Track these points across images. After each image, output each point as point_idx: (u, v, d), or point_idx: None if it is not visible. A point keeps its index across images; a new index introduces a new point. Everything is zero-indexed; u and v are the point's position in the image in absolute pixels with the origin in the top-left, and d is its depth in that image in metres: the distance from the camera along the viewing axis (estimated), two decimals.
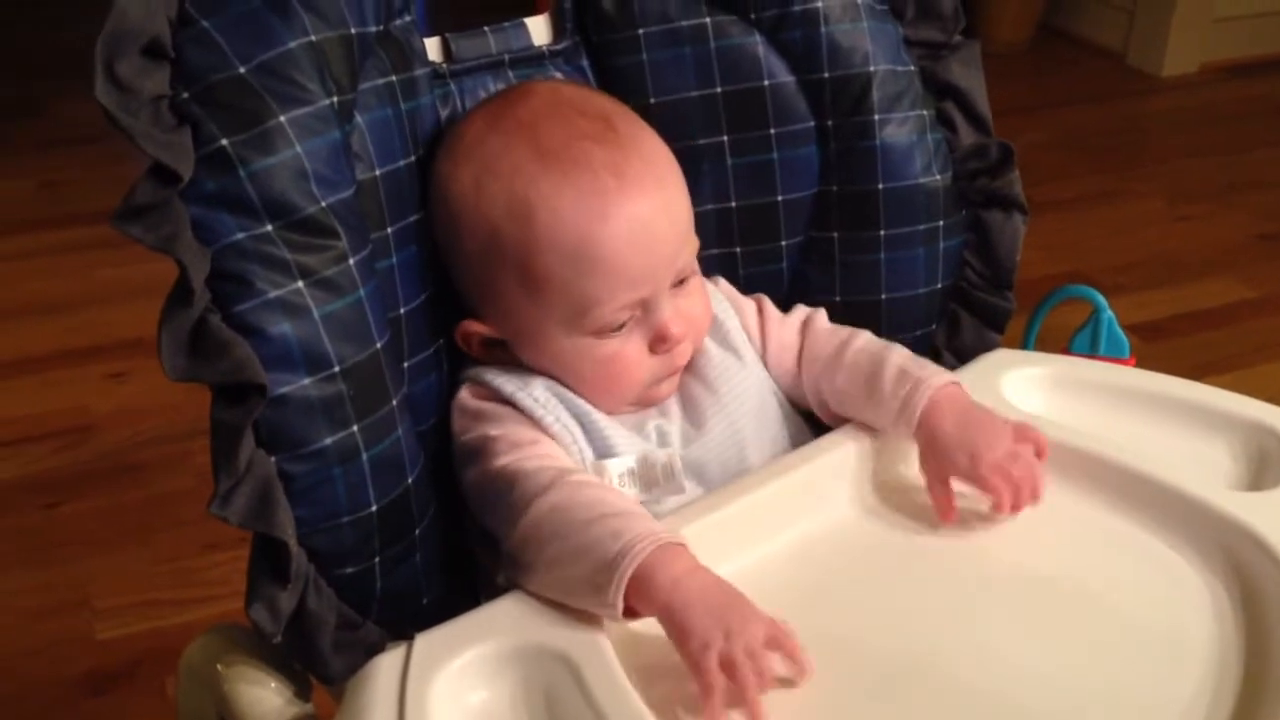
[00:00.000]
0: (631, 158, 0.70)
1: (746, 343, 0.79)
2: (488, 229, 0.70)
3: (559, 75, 0.81)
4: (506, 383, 0.72)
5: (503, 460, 0.68)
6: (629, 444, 0.72)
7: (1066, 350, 0.90)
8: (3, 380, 1.84)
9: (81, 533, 1.54)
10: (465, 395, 0.73)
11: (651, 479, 0.71)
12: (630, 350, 0.71)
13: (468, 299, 0.74)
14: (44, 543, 1.53)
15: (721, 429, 0.75)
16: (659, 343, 0.71)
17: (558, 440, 0.71)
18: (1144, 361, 0.85)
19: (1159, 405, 0.80)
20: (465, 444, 0.71)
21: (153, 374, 1.92)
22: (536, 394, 0.72)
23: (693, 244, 0.73)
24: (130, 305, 1.98)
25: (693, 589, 0.59)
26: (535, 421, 0.71)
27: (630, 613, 0.60)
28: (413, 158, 0.72)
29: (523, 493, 0.65)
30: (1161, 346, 1.87)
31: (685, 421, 0.75)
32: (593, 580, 0.60)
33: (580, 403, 0.72)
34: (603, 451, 0.71)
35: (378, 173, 0.69)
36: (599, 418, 0.72)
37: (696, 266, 0.75)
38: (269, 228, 0.61)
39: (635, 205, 0.68)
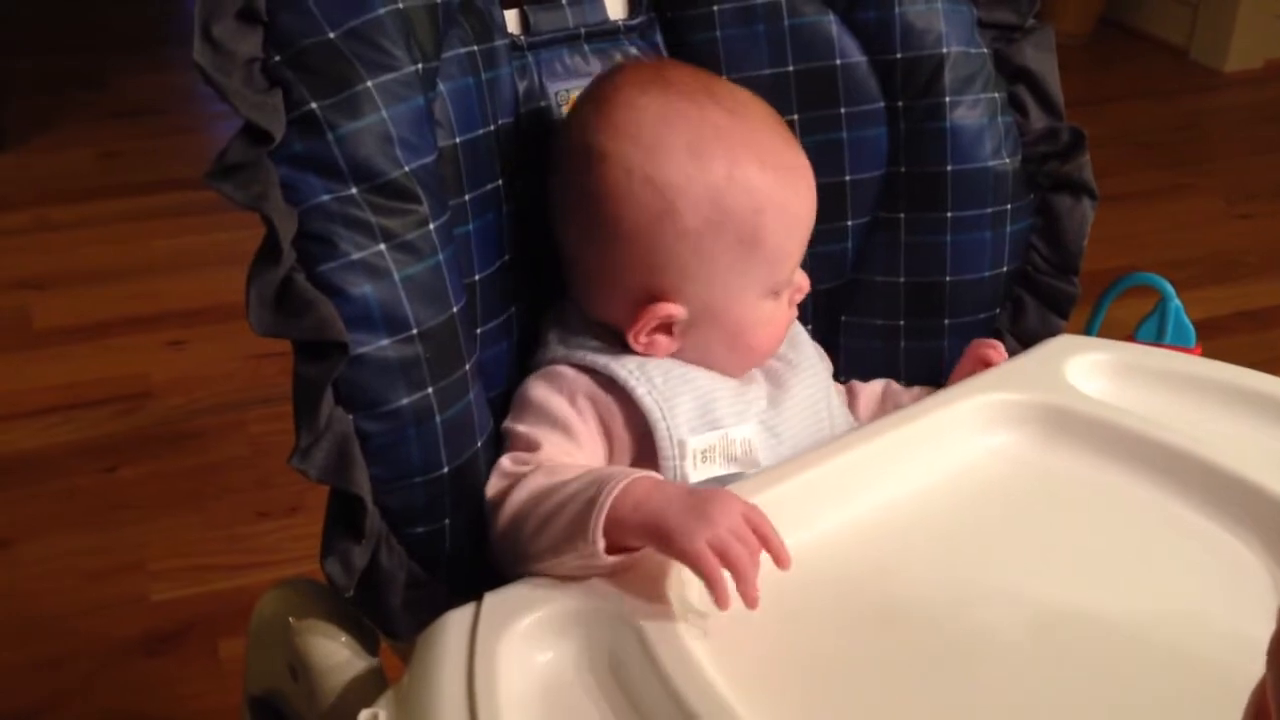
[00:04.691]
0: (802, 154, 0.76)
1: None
2: (712, 203, 0.70)
3: (634, 50, 0.82)
4: (620, 366, 0.72)
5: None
6: (735, 411, 0.74)
7: (1132, 338, 0.89)
8: (63, 345, 1.88)
9: (138, 497, 1.58)
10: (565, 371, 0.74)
11: (731, 455, 0.72)
12: (781, 307, 0.76)
13: (650, 283, 0.73)
14: (101, 505, 1.56)
15: (803, 393, 0.78)
16: (798, 293, 0.77)
17: (648, 415, 0.71)
18: (1206, 356, 0.84)
19: (1224, 394, 0.80)
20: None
21: (210, 343, 1.97)
22: (654, 376, 0.72)
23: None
24: (189, 275, 2.01)
25: (661, 499, 0.62)
26: (637, 401, 0.71)
27: (614, 550, 0.61)
28: (491, 127, 0.73)
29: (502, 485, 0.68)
30: (1219, 344, 1.84)
31: (770, 386, 0.77)
32: (575, 524, 0.61)
33: (696, 375, 0.74)
34: (712, 422, 0.72)
35: (458, 140, 0.70)
36: (712, 388, 0.74)
37: None
38: (354, 190, 0.62)
39: (805, 177, 0.75)
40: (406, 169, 0.64)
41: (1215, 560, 0.68)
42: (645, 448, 0.72)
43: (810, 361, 0.80)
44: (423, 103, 0.66)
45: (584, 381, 0.73)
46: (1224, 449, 0.72)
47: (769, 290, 0.74)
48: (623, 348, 0.74)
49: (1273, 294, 2.02)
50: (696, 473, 0.71)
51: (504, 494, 0.67)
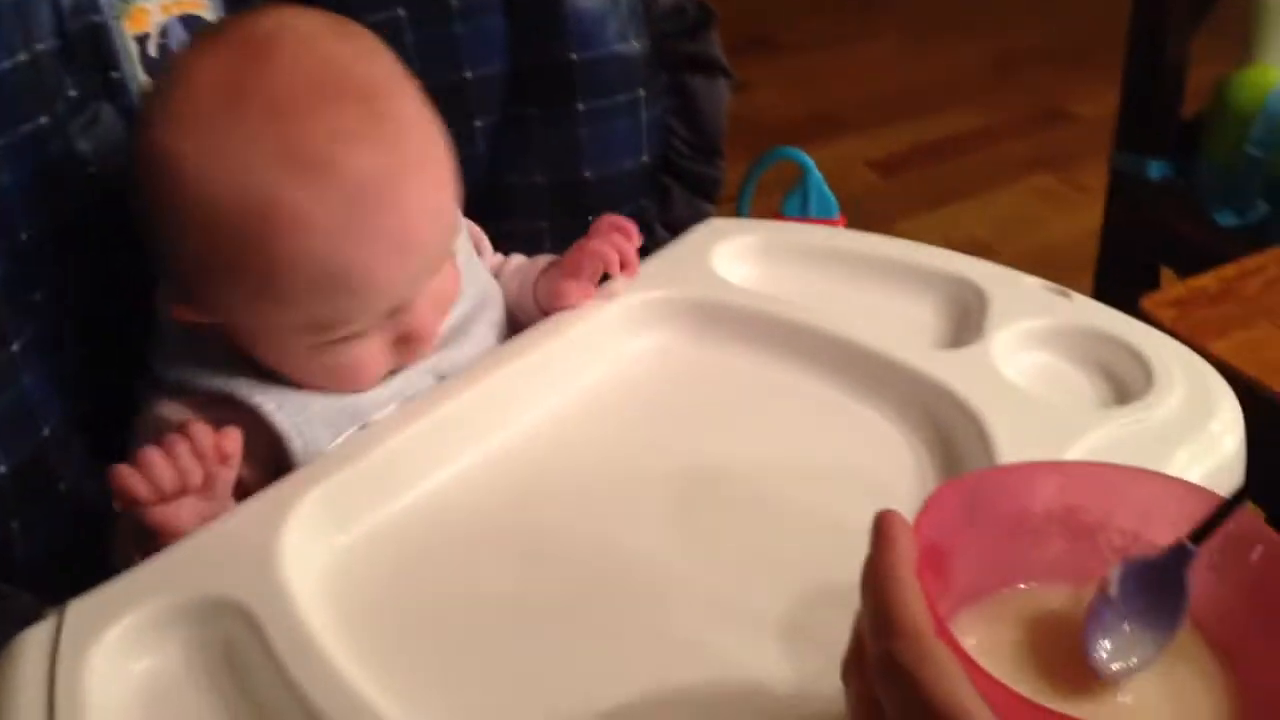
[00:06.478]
0: (398, 155, 0.60)
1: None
2: (227, 228, 0.58)
3: None
4: (240, 386, 0.64)
5: None
6: (382, 393, 0.66)
7: (778, 214, 0.89)
8: None
9: None
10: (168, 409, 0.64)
11: None
12: (371, 351, 0.64)
13: (177, 281, 0.64)
14: None
15: (481, 319, 0.73)
16: (405, 342, 0.65)
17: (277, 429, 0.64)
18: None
19: (867, 266, 0.81)
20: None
21: None
22: (284, 389, 0.64)
23: (459, 231, 0.67)
24: None
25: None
26: (265, 418, 0.63)
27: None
28: (24, 56, 0.62)
29: None
30: (902, 179, 1.92)
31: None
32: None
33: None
34: (353, 415, 0.65)
35: None
36: (313, 408, 0.65)
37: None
38: None
39: (401, 217, 0.59)
40: None
41: (856, 436, 0.68)
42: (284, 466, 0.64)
43: (480, 286, 0.73)
44: None
45: (200, 415, 0.63)
46: (863, 325, 0.73)
47: (314, 336, 0.63)
48: (241, 361, 0.65)
49: (950, 125, 2.11)
50: None
51: None
